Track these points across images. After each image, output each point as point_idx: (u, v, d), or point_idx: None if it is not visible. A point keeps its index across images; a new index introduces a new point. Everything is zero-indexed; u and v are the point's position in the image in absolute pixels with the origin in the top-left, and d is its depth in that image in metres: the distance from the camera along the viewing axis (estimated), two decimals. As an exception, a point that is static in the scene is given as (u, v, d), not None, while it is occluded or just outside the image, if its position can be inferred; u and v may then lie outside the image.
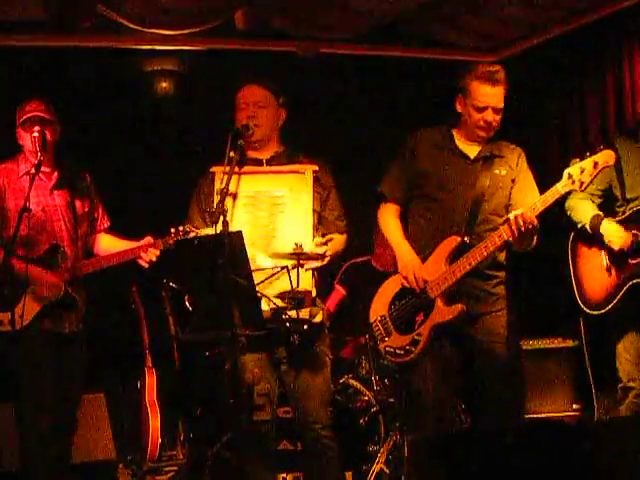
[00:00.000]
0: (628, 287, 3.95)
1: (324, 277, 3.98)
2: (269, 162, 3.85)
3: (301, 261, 3.56)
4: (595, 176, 3.38)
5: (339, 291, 5.46)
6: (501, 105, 3.68)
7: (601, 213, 4.07)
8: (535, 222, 3.46)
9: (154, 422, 5.19)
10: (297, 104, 3.97)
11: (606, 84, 5.32)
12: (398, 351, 3.73)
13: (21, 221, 3.62)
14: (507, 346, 3.68)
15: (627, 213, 4.06)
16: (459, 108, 3.75)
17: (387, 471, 4.44)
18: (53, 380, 3.86)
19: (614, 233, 3.99)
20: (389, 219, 3.89)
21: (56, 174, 3.99)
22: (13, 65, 5.26)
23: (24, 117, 3.90)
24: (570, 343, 5.10)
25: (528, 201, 3.67)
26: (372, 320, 3.85)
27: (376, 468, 4.42)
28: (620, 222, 4.04)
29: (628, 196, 4.06)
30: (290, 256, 3.51)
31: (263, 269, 3.59)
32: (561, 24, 5.46)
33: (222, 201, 3.39)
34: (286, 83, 3.96)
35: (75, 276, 3.90)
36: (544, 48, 5.70)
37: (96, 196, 4.14)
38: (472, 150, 3.78)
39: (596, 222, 4.04)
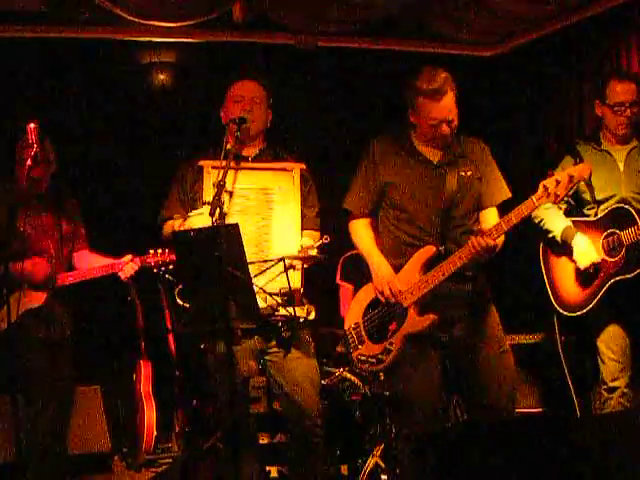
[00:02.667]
0: (609, 286, 3.99)
1: (324, 277, 3.98)
2: (255, 159, 3.84)
3: (293, 262, 3.58)
4: (570, 189, 3.38)
5: (346, 288, 5.44)
6: (453, 115, 3.59)
7: (572, 224, 4.14)
8: (492, 244, 3.44)
9: (149, 414, 5.19)
10: (294, 97, 3.97)
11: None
12: (370, 360, 3.70)
13: (16, 214, 3.85)
14: (493, 344, 3.67)
15: (599, 215, 4.11)
16: (413, 120, 3.67)
17: (382, 465, 4.44)
18: (43, 378, 4.03)
19: (583, 252, 4.06)
20: (360, 233, 3.84)
21: (48, 199, 4.26)
22: (11, 55, 5.25)
23: (21, 153, 4.05)
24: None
25: (496, 197, 3.72)
26: (346, 328, 3.83)
27: (371, 462, 4.42)
28: (594, 223, 4.12)
29: (598, 198, 4.13)
30: (296, 258, 3.55)
31: (255, 261, 3.58)
32: (559, 19, 5.46)
33: (219, 194, 3.38)
34: (284, 76, 3.95)
35: (57, 288, 4.16)
36: (542, 43, 5.69)
37: (80, 219, 4.41)
38: (434, 154, 3.72)
39: (568, 234, 4.11)
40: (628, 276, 3.95)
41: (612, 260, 4.01)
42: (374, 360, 3.69)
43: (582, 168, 3.40)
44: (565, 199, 4.02)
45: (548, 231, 4.19)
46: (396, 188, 3.72)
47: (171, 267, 4.02)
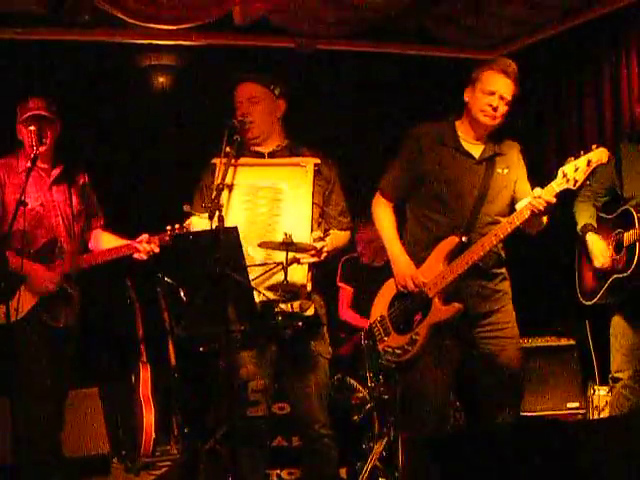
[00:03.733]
0: (610, 281, 4.11)
1: (327, 277, 3.95)
2: (271, 155, 3.83)
3: (297, 256, 3.55)
4: (589, 174, 3.40)
5: (345, 289, 5.44)
6: (509, 97, 3.65)
7: (592, 222, 4.23)
8: (553, 201, 3.44)
9: (148, 417, 5.19)
10: (293, 100, 3.97)
11: (603, 84, 5.33)
12: (397, 351, 3.72)
13: (17, 213, 3.66)
14: (515, 343, 3.70)
15: (616, 213, 4.19)
16: (466, 97, 3.70)
17: (381, 468, 4.44)
18: (47, 373, 3.89)
19: (597, 251, 4.16)
20: (383, 215, 3.85)
21: (55, 171, 4.04)
22: (11, 58, 5.25)
23: (25, 115, 3.91)
24: (565, 342, 5.14)
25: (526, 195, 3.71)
26: (372, 321, 3.85)
27: (370, 465, 4.43)
28: (608, 221, 4.21)
29: (625, 196, 4.18)
30: (279, 246, 3.49)
31: (258, 264, 3.58)
32: (559, 23, 5.47)
33: (217, 196, 3.39)
34: (283, 79, 3.96)
35: (72, 271, 3.96)
36: (542, 47, 5.70)
37: (92, 193, 4.20)
38: (476, 149, 3.75)
39: (584, 231, 4.23)
40: (624, 275, 4.03)
41: (616, 258, 4.10)
42: (400, 351, 3.71)
43: (600, 152, 3.39)
44: (603, 191, 4.24)
45: (576, 222, 4.29)
46: (435, 175, 3.72)
47: None
